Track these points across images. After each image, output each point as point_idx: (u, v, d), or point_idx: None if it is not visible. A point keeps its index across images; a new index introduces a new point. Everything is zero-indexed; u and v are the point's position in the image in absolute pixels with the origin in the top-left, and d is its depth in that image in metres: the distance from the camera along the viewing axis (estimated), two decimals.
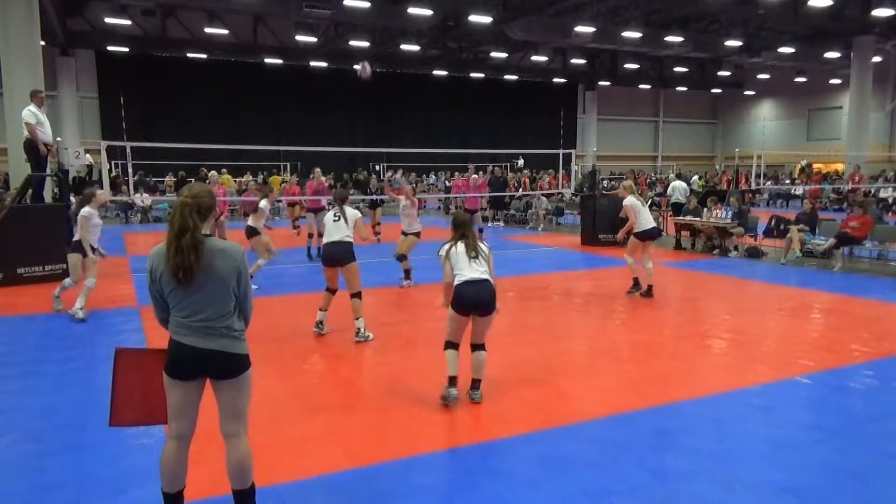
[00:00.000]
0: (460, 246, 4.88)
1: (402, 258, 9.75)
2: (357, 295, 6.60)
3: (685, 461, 3.95)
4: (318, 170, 14.10)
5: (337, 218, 6.68)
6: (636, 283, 9.00)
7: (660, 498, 3.52)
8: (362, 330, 6.62)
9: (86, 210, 7.64)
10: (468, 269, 4.78)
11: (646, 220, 8.75)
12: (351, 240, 6.62)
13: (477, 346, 4.91)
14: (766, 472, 3.80)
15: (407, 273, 9.87)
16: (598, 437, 4.31)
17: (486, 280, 4.78)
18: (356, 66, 17.04)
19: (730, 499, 3.50)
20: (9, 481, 3.71)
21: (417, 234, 9.86)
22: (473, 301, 4.73)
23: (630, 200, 8.80)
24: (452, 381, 4.82)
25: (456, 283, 4.79)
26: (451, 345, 4.86)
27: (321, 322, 6.88)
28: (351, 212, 6.77)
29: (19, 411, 4.78)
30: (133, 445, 4.11)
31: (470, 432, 4.38)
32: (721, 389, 5.23)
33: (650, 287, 8.79)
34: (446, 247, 4.95)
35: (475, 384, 4.93)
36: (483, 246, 4.96)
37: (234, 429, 3.04)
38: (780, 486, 3.64)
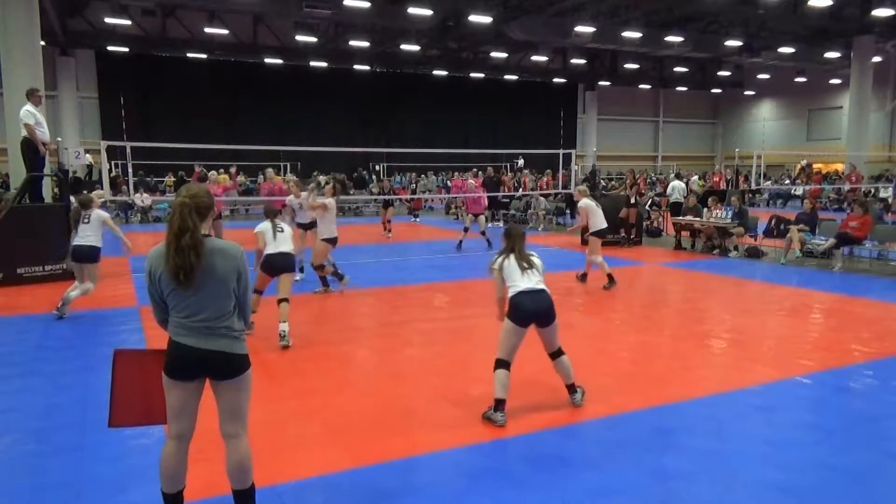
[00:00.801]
0: (511, 258, 4.77)
1: (319, 268, 8.81)
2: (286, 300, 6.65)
3: (685, 461, 3.95)
4: (269, 170, 14.04)
5: (281, 230, 6.80)
6: (610, 276, 9.46)
7: (660, 498, 3.52)
8: (286, 334, 6.46)
9: (103, 212, 7.87)
10: (522, 280, 4.66)
11: (600, 220, 9.55)
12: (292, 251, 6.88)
13: (555, 355, 4.82)
14: (766, 472, 3.80)
15: (323, 280, 9.02)
16: (598, 437, 4.31)
17: (543, 290, 4.70)
18: None
19: (730, 499, 3.50)
20: (9, 481, 3.71)
21: (333, 241, 8.75)
22: (533, 311, 4.61)
23: (584, 202, 9.62)
24: (500, 404, 4.50)
25: (512, 294, 4.65)
26: (503, 363, 4.60)
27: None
28: (287, 228, 7.01)
29: (19, 411, 4.78)
30: (133, 445, 4.11)
31: (470, 432, 4.38)
32: (721, 389, 5.23)
33: (585, 274, 9.86)
34: (499, 260, 4.82)
35: (572, 388, 4.87)
36: (535, 258, 4.84)
37: (234, 429, 3.04)
38: (780, 486, 3.64)
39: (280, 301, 6.58)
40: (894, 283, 9.97)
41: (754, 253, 12.42)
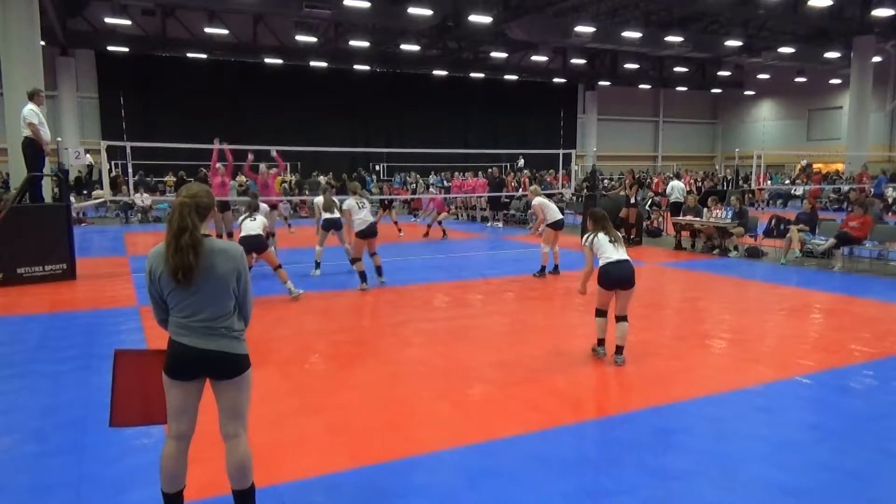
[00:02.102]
0: (601, 235, 5.79)
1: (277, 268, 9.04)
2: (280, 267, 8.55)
3: (685, 461, 3.94)
4: (262, 165, 14.40)
5: (254, 219, 8.61)
6: (543, 268, 10.39)
7: (660, 498, 3.52)
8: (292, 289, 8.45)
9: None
10: (613, 252, 5.70)
11: (554, 213, 10.39)
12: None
13: (620, 318, 5.78)
14: (766, 472, 3.80)
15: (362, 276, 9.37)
16: (598, 437, 4.31)
17: (628, 260, 5.71)
18: None
19: (730, 499, 3.50)
20: (9, 481, 3.70)
21: (361, 234, 9.31)
22: (619, 277, 5.65)
23: (538, 201, 10.58)
24: (601, 342, 5.92)
25: (602, 264, 5.68)
26: (601, 313, 5.87)
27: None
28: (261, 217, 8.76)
29: (19, 411, 4.78)
30: (133, 445, 4.11)
31: (470, 432, 4.38)
32: (721, 389, 5.23)
33: (556, 266, 10.61)
34: (590, 237, 5.84)
35: (619, 350, 5.80)
36: (618, 233, 5.92)
37: (234, 429, 3.04)
38: (780, 486, 3.64)
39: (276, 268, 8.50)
40: (894, 283, 9.97)
41: (754, 253, 12.42)
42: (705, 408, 4.85)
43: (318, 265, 10.47)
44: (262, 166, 14.31)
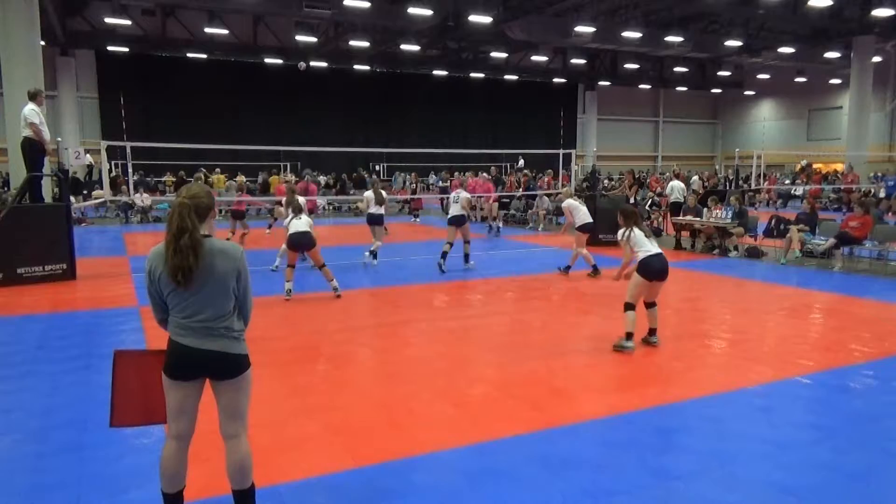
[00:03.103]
0: (636, 230, 6.21)
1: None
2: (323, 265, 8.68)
3: (685, 461, 3.95)
4: (307, 169, 14.75)
5: (300, 218, 8.80)
6: (595, 267, 10.40)
7: (660, 498, 3.52)
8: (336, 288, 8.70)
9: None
10: (651, 246, 6.14)
11: (584, 216, 10.61)
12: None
13: (650, 304, 6.30)
14: (766, 472, 3.80)
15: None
16: (598, 437, 4.31)
17: (662, 253, 6.19)
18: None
19: (730, 499, 3.50)
20: (9, 481, 3.71)
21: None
22: (660, 269, 6.11)
23: (567, 203, 10.85)
24: (630, 335, 6.17)
25: (642, 256, 6.10)
26: (631, 307, 6.15)
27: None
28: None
29: (19, 411, 4.78)
30: (133, 445, 4.11)
31: (470, 432, 4.38)
32: (721, 389, 5.23)
33: (569, 267, 10.62)
34: (626, 233, 6.26)
35: (652, 332, 6.35)
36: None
37: (234, 429, 3.04)
38: (780, 486, 3.64)
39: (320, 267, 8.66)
40: (894, 283, 9.97)
41: (754, 253, 12.41)
42: (705, 408, 4.85)
43: (374, 255, 11.59)
44: (308, 174, 14.78)
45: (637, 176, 23.05)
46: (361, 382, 5.52)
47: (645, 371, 5.76)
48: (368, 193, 12.02)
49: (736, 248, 12.78)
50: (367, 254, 11.64)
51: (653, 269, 6.07)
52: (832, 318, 7.95)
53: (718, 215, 12.86)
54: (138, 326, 7.19)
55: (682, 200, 15.25)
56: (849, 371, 5.70)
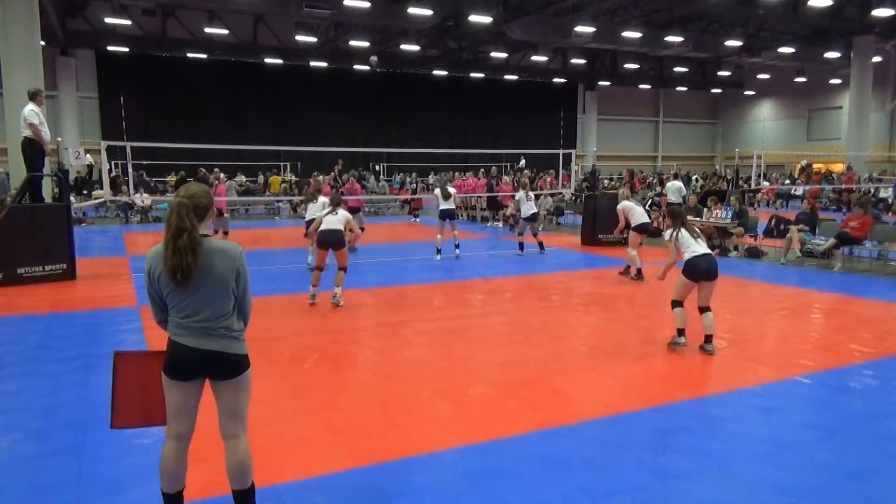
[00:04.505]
0: (683, 231, 6.17)
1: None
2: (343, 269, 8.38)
3: (685, 461, 3.95)
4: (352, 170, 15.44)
5: (336, 213, 8.39)
6: (639, 270, 10.29)
7: (660, 498, 3.52)
8: (338, 296, 8.31)
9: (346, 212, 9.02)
10: (698, 246, 6.09)
11: (639, 216, 10.57)
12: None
13: (704, 309, 6.18)
14: (766, 472, 3.80)
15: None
16: (598, 437, 4.31)
17: (711, 253, 6.14)
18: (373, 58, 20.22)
19: (730, 499, 3.50)
20: (9, 481, 3.70)
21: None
22: (706, 270, 6.04)
23: (623, 205, 10.74)
24: (682, 332, 6.24)
25: (688, 257, 6.08)
26: (678, 304, 6.23)
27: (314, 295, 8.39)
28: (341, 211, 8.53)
29: (19, 411, 4.78)
30: (133, 445, 4.11)
31: (470, 432, 4.38)
32: (721, 389, 5.23)
33: (640, 271, 10.38)
34: (673, 233, 6.23)
35: (708, 339, 6.16)
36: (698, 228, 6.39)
37: (234, 429, 3.04)
38: (780, 486, 3.64)
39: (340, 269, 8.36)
40: (894, 283, 9.97)
41: (754, 253, 12.41)
42: (705, 408, 4.85)
43: (438, 251, 12.20)
44: (352, 175, 15.44)
45: (637, 176, 23.03)
46: (361, 382, 5.52)
47: (645, 371, 5.76)
48: (437, 191, 12.74)
49: (736, 248, 12.78)
50: (455, 249, 12.42)
51: (700, 270, 6.04)
52: (832, 318, 7.94)
53: (718, 215, 12.86)
54: (138, 326, 7.19)
55: (682, 201, 15.26)
56: (849, 371, 5.70)
